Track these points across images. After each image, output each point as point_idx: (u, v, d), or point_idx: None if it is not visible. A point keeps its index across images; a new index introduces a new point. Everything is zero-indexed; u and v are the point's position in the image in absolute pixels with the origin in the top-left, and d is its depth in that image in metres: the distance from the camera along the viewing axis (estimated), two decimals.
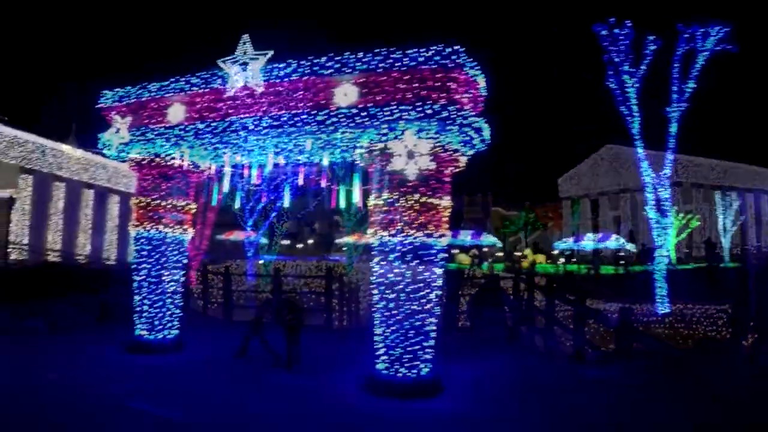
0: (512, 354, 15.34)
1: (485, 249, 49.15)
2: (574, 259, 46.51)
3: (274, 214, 25.14)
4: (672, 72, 23.58)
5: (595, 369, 13.58)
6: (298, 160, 13.69)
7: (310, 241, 67.37)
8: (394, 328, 11.21)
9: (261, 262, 28.23)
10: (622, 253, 42.45)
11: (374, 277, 11.61)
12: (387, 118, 10.78)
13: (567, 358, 14.91)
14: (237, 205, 23.08)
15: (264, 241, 29.48)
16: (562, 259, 47.48)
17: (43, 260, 28.72)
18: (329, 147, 12.46)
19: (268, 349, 13.45)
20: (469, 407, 10.55)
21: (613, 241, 40.05)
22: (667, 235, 24.31)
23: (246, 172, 14.46)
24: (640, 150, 23.93)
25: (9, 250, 27.50)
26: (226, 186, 14.16)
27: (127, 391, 10.92)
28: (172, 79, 13.39)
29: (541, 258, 49.44)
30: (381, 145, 11.26)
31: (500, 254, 54.42)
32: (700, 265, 36.78)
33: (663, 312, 22.70)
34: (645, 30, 23.18)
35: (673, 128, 23.82)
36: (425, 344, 11.21)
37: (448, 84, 10.85)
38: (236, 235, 32.75)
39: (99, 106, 14.50)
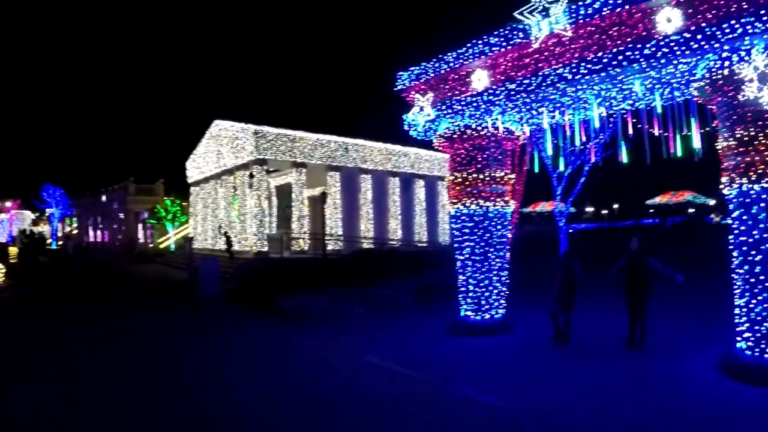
0: None
1: None
2: None
3: (583, 179, 23.12)
4: None
5: None
6: (623, 108, 11.87)
7: (615, 206, 63.07)
8: (760, 298, 9.53)
9: (570, 231, 26.47)
10: None
11: (732, 236, 10.01)
12: (728, 36, 9.05)
13: None
14: (561, 167, 21.82)
15: (572, 209, 27.55)
16: None
17: (357, 248, 30.52)
18: (660, 85, 10.63)
19: (562, 328, 12.45)
20: None
21: None
22: None
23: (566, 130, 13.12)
24: None
25: (326, 241, 29.57)
26: (548, 149, 12.72)
27: (454, 374, 10.67)
28: (468, 45, 13.06)
29: None
30: (725, 72, 9.19)
31: None
32: None
33: None
34: None
35: None
36: None
37: None
38: (542, 206, 31.30)
39: (397, 88, 14.31)
